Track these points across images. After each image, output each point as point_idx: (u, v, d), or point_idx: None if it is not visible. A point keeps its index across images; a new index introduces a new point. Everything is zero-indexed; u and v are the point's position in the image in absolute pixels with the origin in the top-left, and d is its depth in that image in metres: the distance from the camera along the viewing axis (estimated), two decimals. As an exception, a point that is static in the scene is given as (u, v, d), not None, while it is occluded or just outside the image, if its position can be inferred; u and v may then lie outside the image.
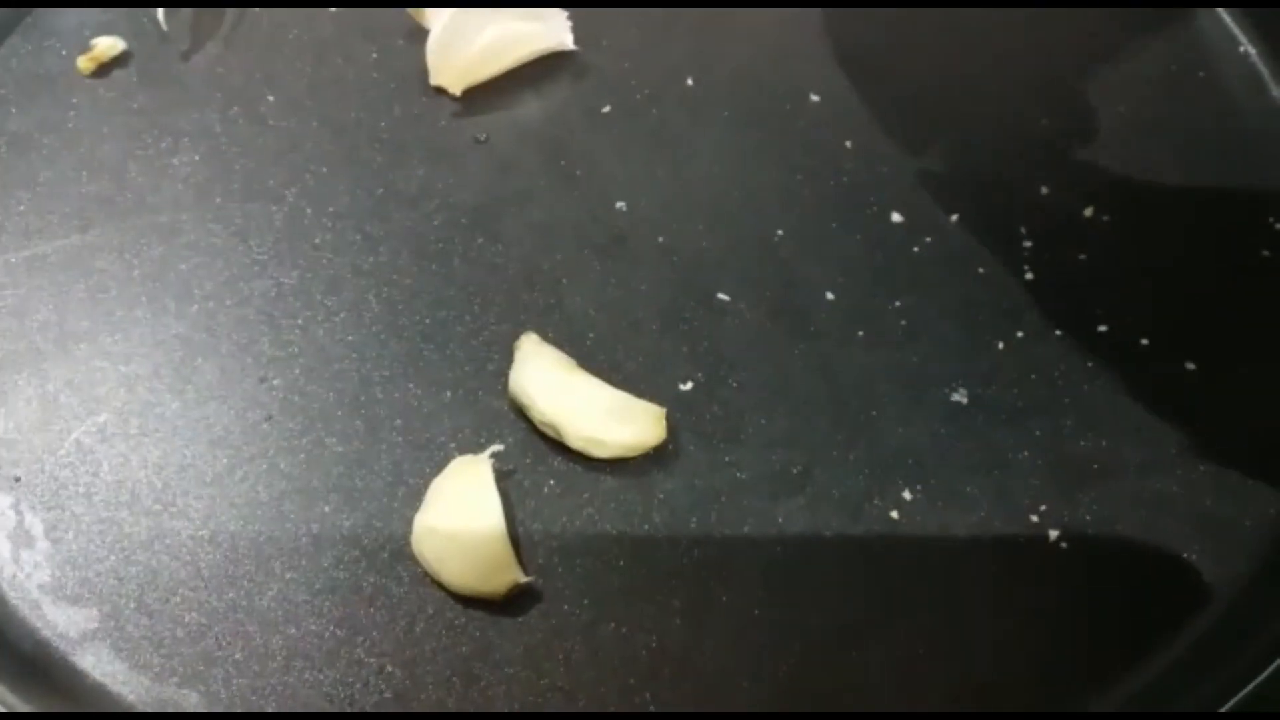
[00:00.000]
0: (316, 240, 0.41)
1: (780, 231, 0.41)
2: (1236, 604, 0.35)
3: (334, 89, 0.44)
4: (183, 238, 0.41)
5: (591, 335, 0.39)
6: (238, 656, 0.34)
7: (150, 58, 0.45)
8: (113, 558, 0.35)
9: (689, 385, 0.38)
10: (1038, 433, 0.37)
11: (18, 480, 0.36)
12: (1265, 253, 0.41)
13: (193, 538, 0.35)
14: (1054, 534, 0.35)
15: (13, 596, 0.35)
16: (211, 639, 0.34)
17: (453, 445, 0.37)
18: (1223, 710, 0.32)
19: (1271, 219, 0.42)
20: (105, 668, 0.34)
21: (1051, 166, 0.43)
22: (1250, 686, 0.32)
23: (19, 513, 0.36)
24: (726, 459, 0.37)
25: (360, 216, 0.41)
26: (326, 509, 0.36)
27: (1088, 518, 0.36)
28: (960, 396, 0.38)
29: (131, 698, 0.33)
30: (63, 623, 0.34)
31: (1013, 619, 0.34)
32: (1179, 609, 0.35)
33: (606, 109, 0.44)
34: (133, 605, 0.34)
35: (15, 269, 0.40)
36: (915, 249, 0.41)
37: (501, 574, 0.34)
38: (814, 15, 0.46)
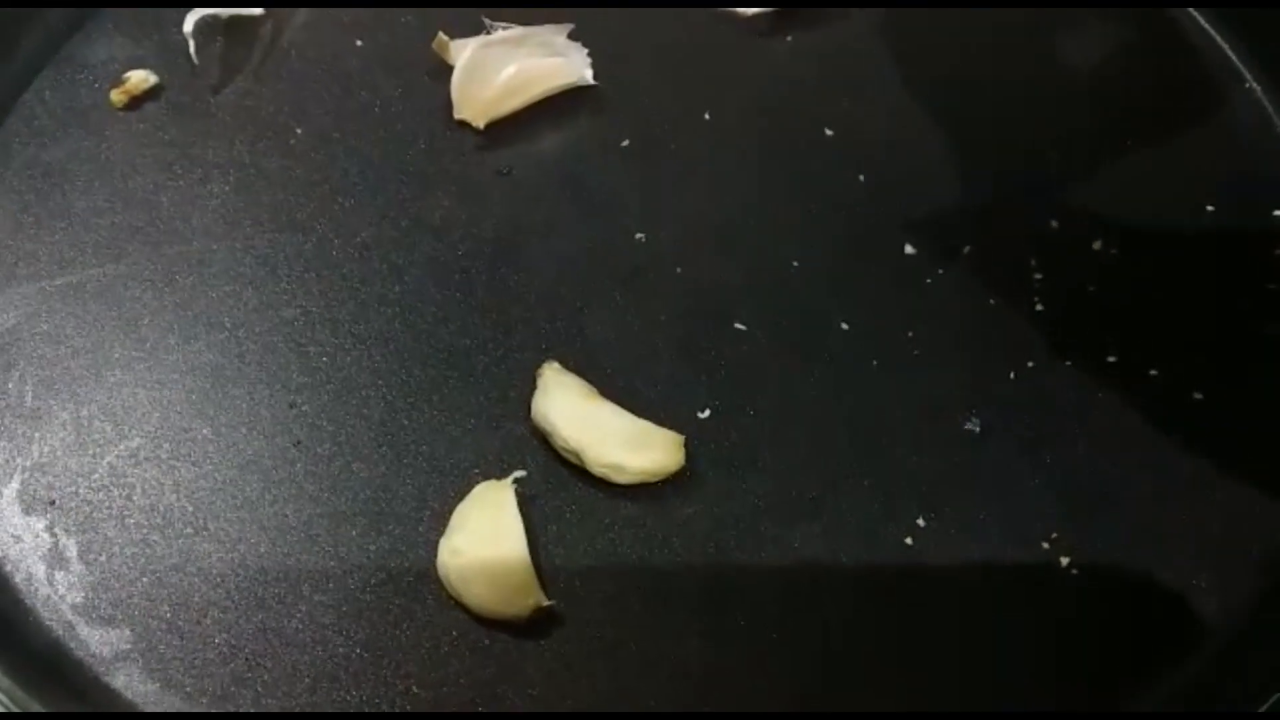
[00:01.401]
0: (344, 270, 0.42)
1: (796, 263, 0.42)
2: (1243, 632, 0.35)
3: (361, 122, 0.45)
4: (213, 267, 0.42)
5: (612, 363, 0.39)
6: (266, 678, 0.34)
7: (181, 91, 0.46)
8: (145, 580, 0.36)
9: (707, 413, 0.38)
10: (1049, 460, 0.38)
11: (53, 504, 0.37)
12: (1271, 285, 0.42)
13: (223, 560, 0.36)
14: (1064, 561, 0.36)
15: (47, 617, 0.35)
16: (241, 660, 0.35)
17: (476, 471, 0.38)
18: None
19: (1277, 251, 0.43)
20: (137, 688, 0.34)
21: (1061, 201, 0.44)
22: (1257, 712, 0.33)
23: (54, 535, 0.37)
24: (744, 485, 0.37)
25: (386, 246, 0.42)
26: (354, 533, 0.37)
27: (1098, 545, 0.36)
28: (973, 425, 0.39)
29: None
30: (96, 643, 0.35)
31: (1023, 645, 0.35)
32: (1186, 637, 0.35)
33: (626, 142, 0.45)
34: (164, 627, 0.35)
35: (50, 297, 0.41)
36: (928, 280, 0.42)
37: (524, 597, 0.34)
38: (829, 49, 0.47)
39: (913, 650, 0.35)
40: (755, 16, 0.48)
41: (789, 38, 0.47)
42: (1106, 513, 0.37)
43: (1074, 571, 0.36)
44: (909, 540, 0.36)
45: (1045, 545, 0.36)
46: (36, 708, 0.33)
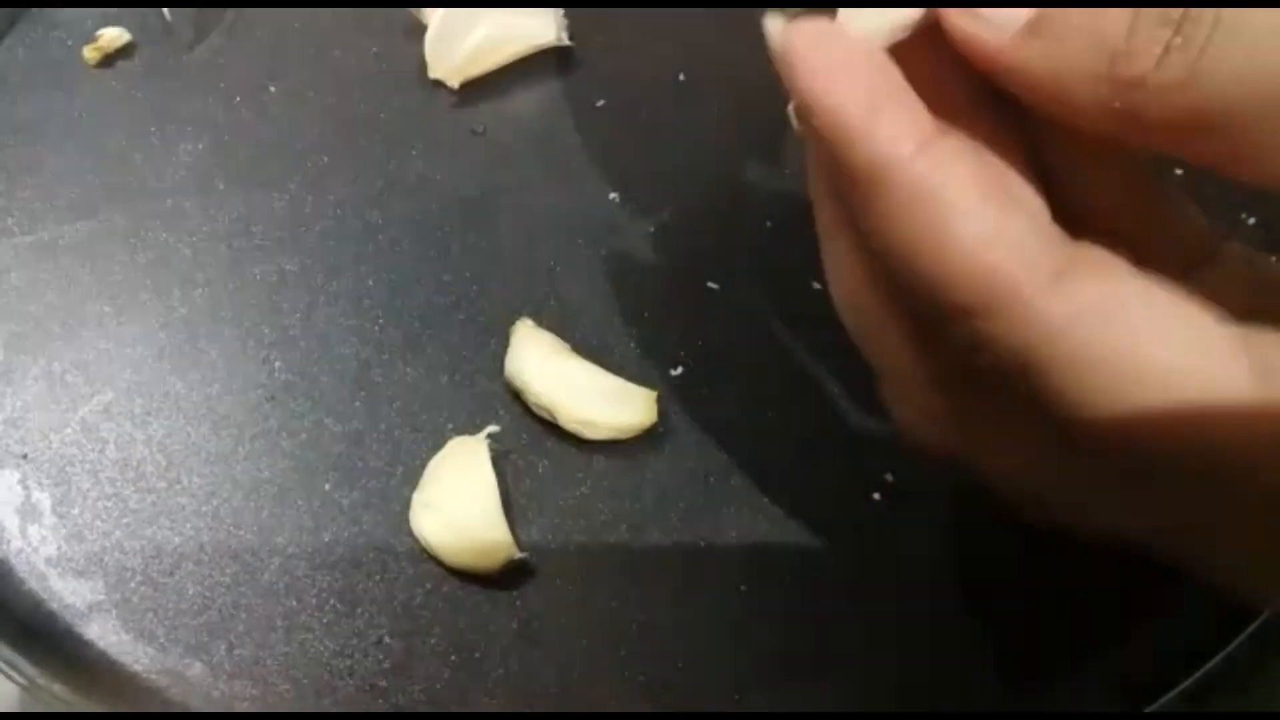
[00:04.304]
0: (317, 227, 0.42)
1: (769, 223, 0.42)
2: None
3: (335, 81, 0.45)
4: (186, 223, 0.42)
5: (585, 321, 0.40)
6: (240, 628, 0.35)
7: (155, 49, 0.46)
8: (118, 532, 0.36)
9: (679, 370, 0.39)
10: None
11: (25, 457, 0.37)
12: None
13: (196, 513, 0.36)
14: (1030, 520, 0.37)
15: (21, 569, 0.36)
16: (215, 611, 0.35)
17: (450, 426, 0.38)
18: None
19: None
20: (110, 638, 0.35)
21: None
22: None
23: (26, 488, 0.37)
24: (715, 442, 0.38)
25: (360, 205, 0.42)
26: (327, 487, 0.37)
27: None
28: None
29: (136, 667, 0.34)
30: (69, 594, 0.35)
31: (993, 596, 0.36)
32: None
33: (600, 103, 0.45)
34: (138, 578, 0.36)
35: (23, 253, 0.41)
36: (899, 241, 0.42)
37: (496, 550, 0.35)
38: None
39: (881, 603, 0.35)
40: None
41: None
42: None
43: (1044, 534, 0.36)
44: (877, 496, 0.37)
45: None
46: (9, 656, 0.33)
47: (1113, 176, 0.26)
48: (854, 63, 0.24)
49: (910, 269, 0.24)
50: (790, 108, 0.26)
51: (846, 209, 0.26)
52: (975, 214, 0.23)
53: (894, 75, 0.24)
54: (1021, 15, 0.23)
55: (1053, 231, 0.24)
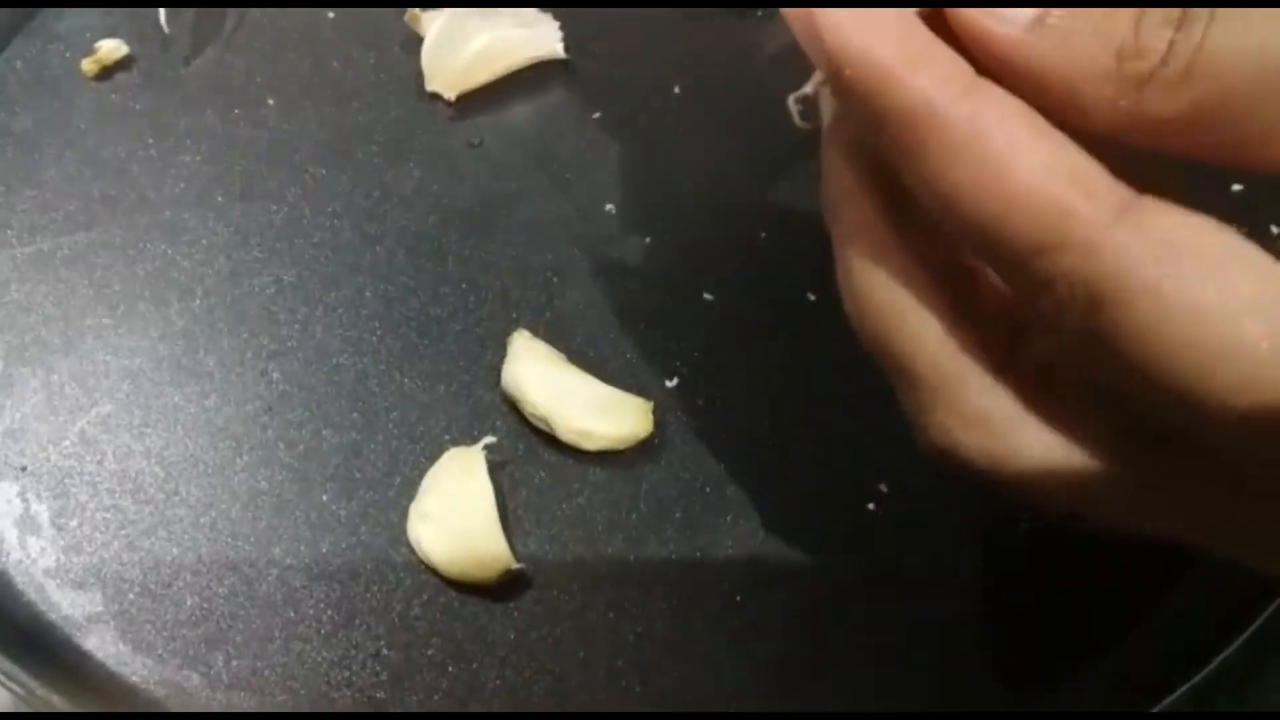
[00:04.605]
0: (315, 239, 0.42)
1: (764, 234, 0.42)
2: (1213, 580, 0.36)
3: (333, 93, 0.45)
4: (185, 235, 0.42)
5: (581, 332, 0.40)
6: (238, 639, 0.35)
7: (153, 61, 0.46)
8: (116, 543, 0.36)
9: (675, 381, 0.39)
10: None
11: (24, 469, 0.38)
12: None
13: (194, 524, 0.37)
14: (1024, 525, 0.37)
15: (19, 581, 0.36)
16: (212, 622, 0.35)
17: (447, 437, 0.38)
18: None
19: None
20: (109, 649, 0.35)
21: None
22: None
23: (25, 500, 0.37)
24: (711, 452, 0.38)
25: (358, 216, 0.42)
26: (324, 498, 0.37)
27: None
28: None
29: (134, 678, 0.35)
30: (67, 606, 0.35)
31: (986, 605, 0.36)
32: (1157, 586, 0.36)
33: (596, 115, 0.45)
34: (136, 589, 0.36)
35: (21, 265, 0.41)
36: (894, 252, 0.42)
37: (493, 561, 0.35)
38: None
39: (880, 610, 0.36)
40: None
41: (759, 13, 0.48)
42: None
43: (1026, 527, 0.37)
44: (871, 506, 0.37)
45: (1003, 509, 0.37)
46: (8, 668, 0.33)
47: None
48: (884, 18, 0.24)
49: (971, 213, 0.23)
50: (790, 99, 0.26)
51: (888, 171, 0.25)
52: (1034, 148, 0.22)
53: (925, 29, 0.24)
54: (1030, 11, 0.23)
55: (1108, 171, 0.23)
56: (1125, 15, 0.22)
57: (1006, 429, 0.26)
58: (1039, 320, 0.24)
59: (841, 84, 0.24)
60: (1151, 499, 0.25)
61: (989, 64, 0.24)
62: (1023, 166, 0.22)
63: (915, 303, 0.26)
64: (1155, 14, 0.22)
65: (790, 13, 0.25)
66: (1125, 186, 0.23)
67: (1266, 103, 0.22)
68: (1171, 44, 0.22)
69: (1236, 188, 0.42)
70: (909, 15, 0.24)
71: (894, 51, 0.23)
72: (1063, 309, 0.23)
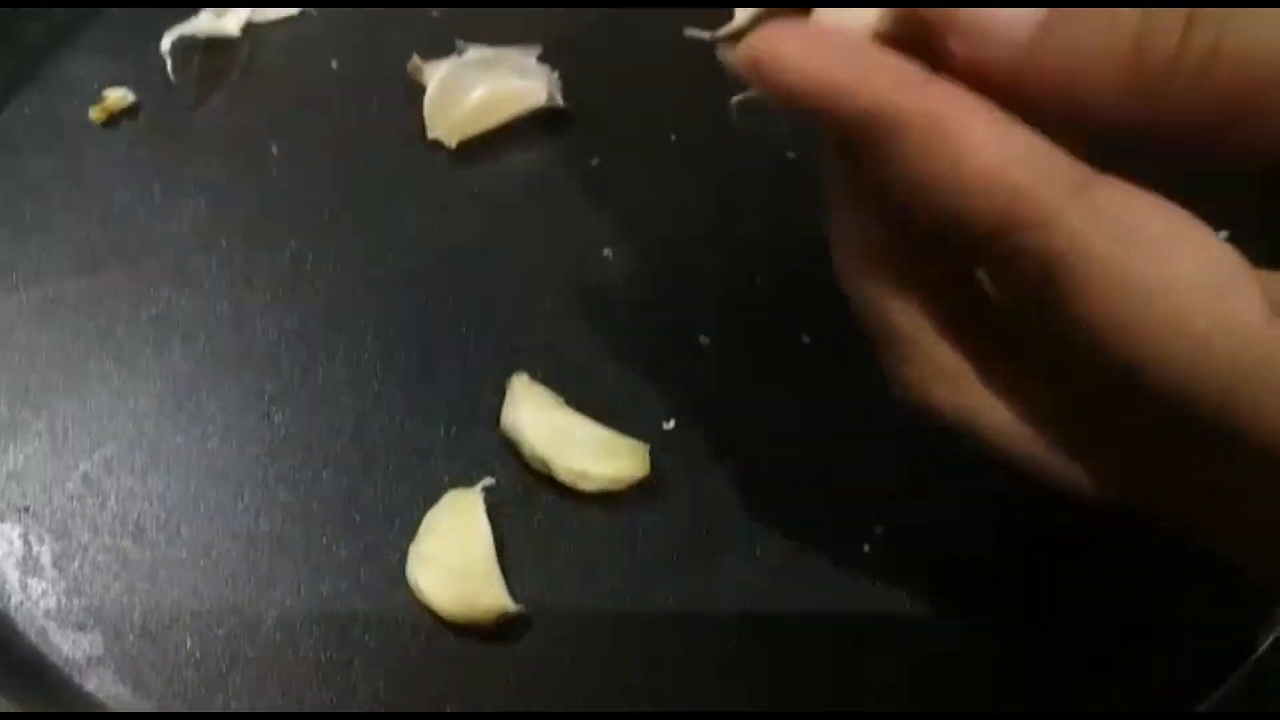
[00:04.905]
0: (317, 283, 0.42)
1: (758, 279, 0.43)
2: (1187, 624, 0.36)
3: (336, 141, 0.46)
4: (188, 281, 0.43)
5: (579, 375, 0.40)
6: (237, 680, 0.35)
7: (159, 109, 0.47)
8: (117, 585, 0.37)
9: (672, 423, 0.39)
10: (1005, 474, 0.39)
11: (27, 510, 0.38)
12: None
13: (194, 566, 0.37)
14: (1020, 562, 0.37)
15: (21, 622, 0.36)
16: (212, 663, 0.35)
17: (446, 479, 0.38)
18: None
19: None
20: (109, 690, 0.35)
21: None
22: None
23: (27, 542, 0.37)
24: (708, 494, 0.38)
25: (359, 261, 0.43)
26: (324, 540, 0.37)
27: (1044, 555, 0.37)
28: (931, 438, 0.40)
29: (134, 720, 0.35)
30: (68, 647, 0.36)
31: (984, 643, 0.36)
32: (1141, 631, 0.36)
33: (594, 162, 0.46)
34: (136, 631, 0.36)
35: (26, 309, 0.42)
36: (887, 296, 0.43)
37: (492, 603, 0.35)
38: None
39: (877, 654, 0.36)
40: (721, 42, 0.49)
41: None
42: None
43: (1024, 575, 0.37)
44: (866, 548, 0.37)
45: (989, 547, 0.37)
46: (10, 709, 0.33)
47: None
48: (827, 42, 0.25)
49: (935, 204, 0.24)
50: (734, 101, 0.26)
51: (860, 175, 0.27)
52: (989, 137, 0.23)
53: (869, 44, 0.25)
54: (1029, 17, 0.24)
55: (1064, 153, 0.24)
56: (1130, 14, 0.23)
57: (972, 384, 0.28)
58: (1006, 293, 0.26)
59: (801, 110, 0.25)
60: (1096, 472, 0.27)
61: (988, 84, 0.24)
62: (978, 154, 0.23)
63: (894, 274, 0.28)
64: (1161, 13, 0.23)
65: (740, 63, 0.26)
66: (1083, 165, 0.24)
67: None
68: (1186, 38, 0.22)
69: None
70: (849, 36, 0.25)
71: (844, 65, 0.24)
72: (1022, 283, 0.24)
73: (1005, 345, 0.28)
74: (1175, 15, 0.23)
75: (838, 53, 0.24)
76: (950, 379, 0.28)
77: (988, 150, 0.23)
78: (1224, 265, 0.23)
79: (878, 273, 0.28)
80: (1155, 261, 0.22)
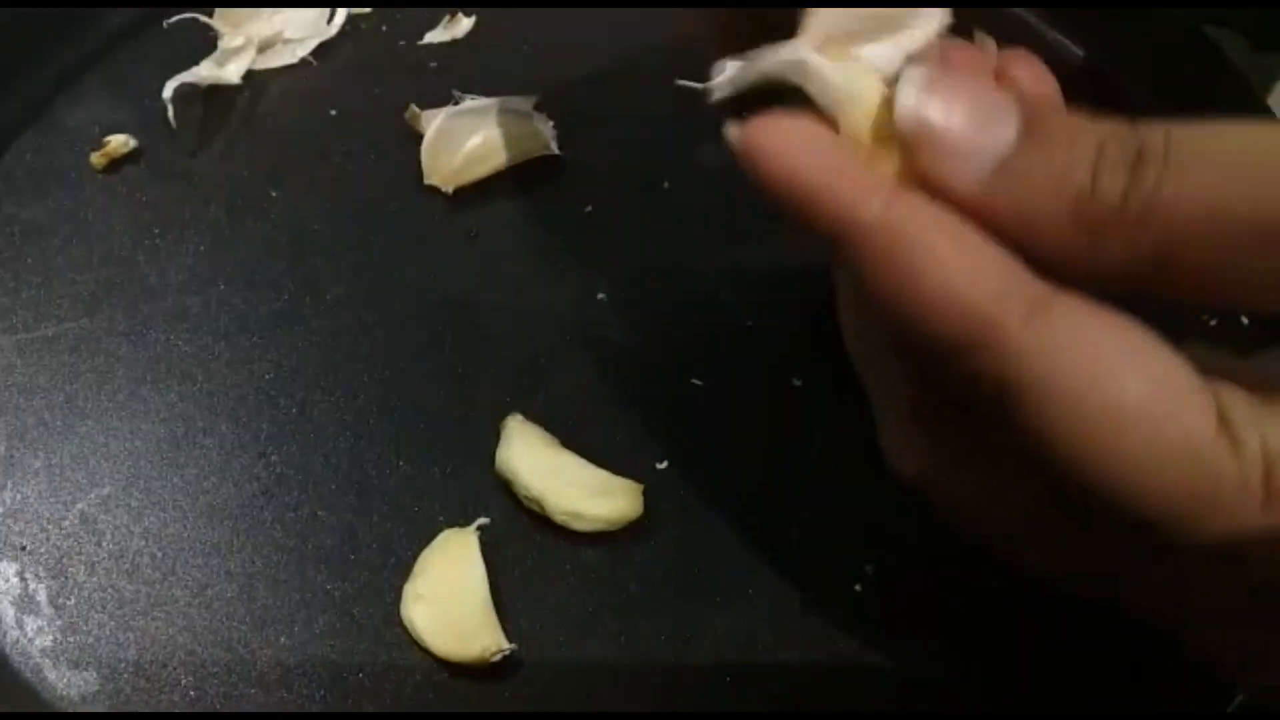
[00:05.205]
0: (314, 325, 0.43)
1: (750, 322, 0.43)
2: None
3: (334, 186, 0.47)
4: (187, 322, 0.43)
5: (573, 416, 0.41)
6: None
7: (160, 154, 0.48)
8: (113, 623, 0.37)
9: (665, 464, 0.40)
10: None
11: (23, 549, 0.38)
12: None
13: (189, 604, 0.37)
14: (1009, 604, 0.38)
15: (16, 660, 0.36)
16: (206, 702, 0.35)
17: (441, 519, 0.39)
18: None
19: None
20: (103, 729, 0.35)
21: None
22: None
23: (24, 580, 0.37)
24: (700, 534, 0.39)
25: (356, 304, 0.44)
26: (319, 579, 0.38)
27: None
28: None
29: (127, 759, 0.35)
30: (63, 685, 0.36)
31: (973, 677, 0.36)
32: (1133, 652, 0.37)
33: (588, 208, 0.47)
34: (131, 669, 0.36)
35: (25, 349, 0.42)
36: (876, 340, 0.43)
37: (486, 641, 0.35)
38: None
39: (870, 691, 0.36)
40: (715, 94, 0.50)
41: (743, 113, 0.50)
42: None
43: (1011, 605, 0.37)
44: (858, 587, 0.38)
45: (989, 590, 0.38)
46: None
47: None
48: (812, 139, 0.26)
49: (896, 315, 0.25)
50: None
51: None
52: (949, 256, 0.24)
53: (849, 148, 0.26)
54: (999, 149, 0.25)
55: (1024, 270, 0.25)
56: (1085, 153, 0.24)
57: (937, 464, 0.29)
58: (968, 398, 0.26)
59: (779, 203, 0.26)
60: (1052, 567, 0.29)
61: (947, 200, 0.25)
62: (940, 275, 0.24)
63: (879, 349, 0.30)
64: (1113, 151, 0.24)
65: (732, 137, 0.27)
66: (1040, 284, 0.25)
67: (1230, 245, 0.23)
68: (1125, 192, 0.24)
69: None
70: (832, 134, 0.26)
71: (818, 168, 0.25)
72: (978, 396, 0.25)
73: (971, 434, 0.28)
74: (1121, 165, 0.24)
75: (814, 155, 0.25)
76: (916, 452, 0.30)
77: (948, 268, 0.24)
78: (1172, 384, 0.24)
79: (866, 344, 0.30)
80: (1103, 384, 0.23)
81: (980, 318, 0.24)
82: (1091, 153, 0.24)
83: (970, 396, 0.25)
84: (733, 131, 0.27)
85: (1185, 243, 0.23)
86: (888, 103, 0.26)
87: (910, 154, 0.26)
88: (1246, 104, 0.47)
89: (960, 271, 0.24)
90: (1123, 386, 0.23)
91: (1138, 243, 0.24)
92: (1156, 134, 0.24)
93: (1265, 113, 0.48)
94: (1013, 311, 0.24)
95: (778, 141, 0.26)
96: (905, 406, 0.30)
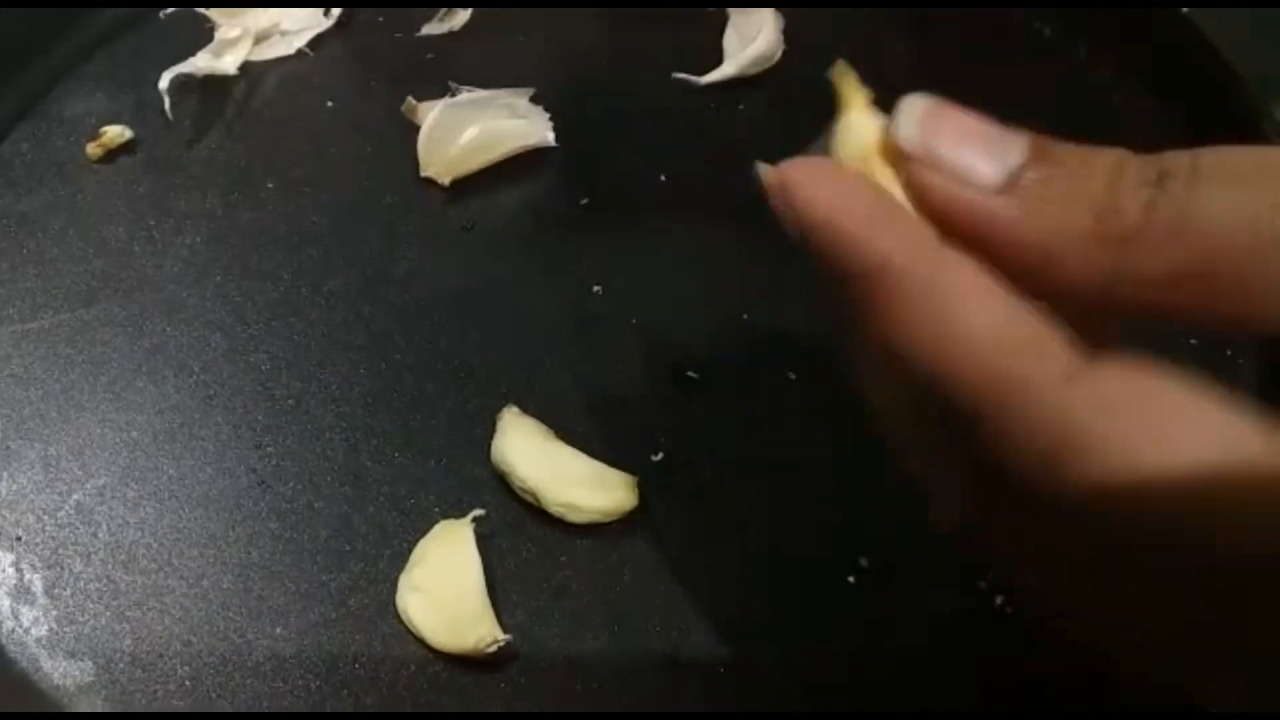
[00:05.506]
0: (310, 317, 0.43)
1: (746, 315, 0.44)
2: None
3: (330, 177, 0.47)
4: (183, 313, 0.43)
5: (569, 408, 0.41)
6: (227, 708, 0.35)
7: (156, 145, 0.48)
8: (108, 614, 0.37)
9: (660, 456, 0.40)
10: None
11: (19, 539, 0.38)
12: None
13: (185, 595, 0.37)
14: (999, 600, 0.38)
15: (12, 650, 0.36)
16: (202, 691, 0.35)
17: (437, 510, 0.39)
18: None
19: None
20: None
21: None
22: None
23: (19, 571, 0.38)
24: (694, 525, 0.39)
25: (353, 296, 0.44)
26: (315, 569, 0.38)
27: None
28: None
29: (123, 749, 0.35)
30: (59, 675, 0.36)
31: (957, 676, 0.36)
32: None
33: (584, 201, 0.47)
34: (127, 659, 0.36)
35: (22, 340, 0.42)
36: (871, 333, 0.43)
37: (481, 632, 0.36)
38: (781, 118, 0.50)
39: (862, 682, 0.36)
40: (711, 84, 0.50)
41: (741, 106, 0.50)
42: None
43: (1008, 610, 0.37)
44: (852, 579, 0.38)
45: (981, 584, 0.38)
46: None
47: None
48: (849, 182, 0.25)
49: (922, 371, 0.24)
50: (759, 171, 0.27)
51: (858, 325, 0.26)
52: (984, 310, 0.23)
53: (888, 194, 0.25)
54: (999, 170, 0.24)
55: (1060, 329, 0.24)
56: (1100, 173, 0.23)
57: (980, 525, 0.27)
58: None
59: (810, 243, 0.25)
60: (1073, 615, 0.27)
61: (957, 229, 0.24)
62: (972, 330, 0.23)
63: (906, 413, 0.28)
64: (1132, 171, 0.23)
65: (768, 180, 0.26)
66: (1076, 349, 0.23)
67: (1261, 260, 0.22)
68: (1151, 203, 0.23)
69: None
70: (872, 182, 0.25)
71: (856, 213, 0.24)
72: (1014, 462, 0.23)
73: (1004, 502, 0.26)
74: (1142, 183, 0.23)
75: (857, 200, 0.25)
76: (971, 523, 0.28)
77: (981, 322, 0.23)
78: (1226, 441, 0.22)
79: (898, 418, 0.28)
80: (1151, 450, 0.21)
81: (1016, 378, 0.22)
82: (1106, 172, 0.23)
83: (998, 457, 0.23)
84: (765, 171, 0.26)
85: (1222, 253, 0.22)
86: (885, 139, 0.26)
87: (912, 185, 0.25)
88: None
89: (994, 328, 0.23)
90: (1177, 446, 0.21)
91: (1169, 256, 0.23)
92: (1180, 155, 0.23)
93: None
94: (1051, 371, 0.22)
95: (814, 183, 0.25)
96: (944, 478, 0.28)
